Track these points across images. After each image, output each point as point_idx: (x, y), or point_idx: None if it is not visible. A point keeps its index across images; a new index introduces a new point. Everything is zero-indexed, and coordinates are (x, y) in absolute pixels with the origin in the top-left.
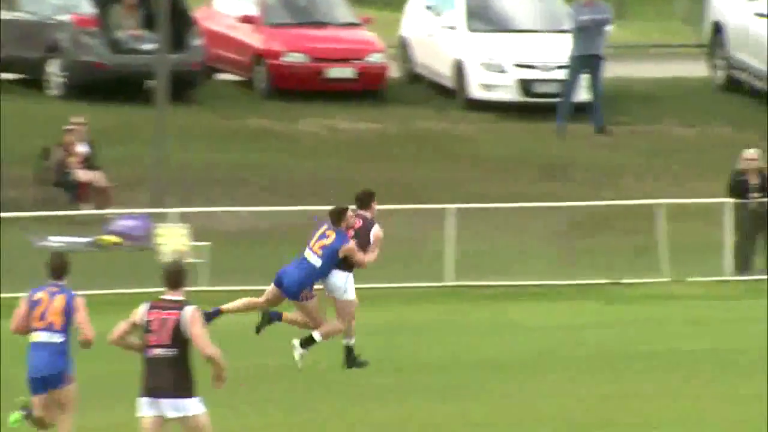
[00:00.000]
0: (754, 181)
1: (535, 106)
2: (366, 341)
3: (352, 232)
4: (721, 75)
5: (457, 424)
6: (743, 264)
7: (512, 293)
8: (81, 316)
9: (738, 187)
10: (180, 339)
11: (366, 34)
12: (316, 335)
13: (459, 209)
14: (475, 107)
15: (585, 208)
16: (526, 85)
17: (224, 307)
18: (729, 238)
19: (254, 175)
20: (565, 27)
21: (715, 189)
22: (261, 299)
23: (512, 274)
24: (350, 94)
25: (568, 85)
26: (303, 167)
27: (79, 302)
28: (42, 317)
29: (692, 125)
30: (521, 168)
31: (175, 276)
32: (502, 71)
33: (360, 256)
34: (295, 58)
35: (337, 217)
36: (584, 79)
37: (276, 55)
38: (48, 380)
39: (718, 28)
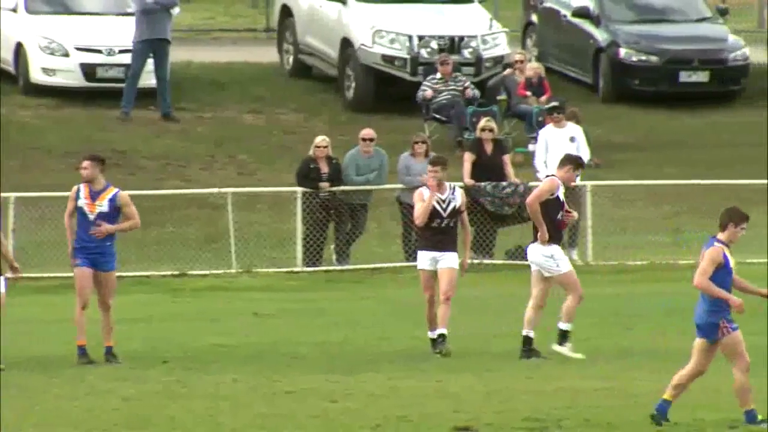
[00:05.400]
0: (325, 169)
1: (99, 92)
2: None
3: None
4: (290, 60)
5: None
6: (314, 255)
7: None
8: None
9: (309, 176)
10: None
11: None
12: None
13: (18, 198)
14: (37, 92)
15: (151, 197)
16: (89, 70)
17: None
18: (300, 228)
19: None
20: (130, 10)
21: (285, 178)
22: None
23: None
24: None
25: (133, 69)
26: None
27: None
28: None
29: (260, 112)
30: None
31: None
32: (64, 55)
33: None
34: None
35: None
36: (150, 63)
37: None
38: None
39: (286, 12)
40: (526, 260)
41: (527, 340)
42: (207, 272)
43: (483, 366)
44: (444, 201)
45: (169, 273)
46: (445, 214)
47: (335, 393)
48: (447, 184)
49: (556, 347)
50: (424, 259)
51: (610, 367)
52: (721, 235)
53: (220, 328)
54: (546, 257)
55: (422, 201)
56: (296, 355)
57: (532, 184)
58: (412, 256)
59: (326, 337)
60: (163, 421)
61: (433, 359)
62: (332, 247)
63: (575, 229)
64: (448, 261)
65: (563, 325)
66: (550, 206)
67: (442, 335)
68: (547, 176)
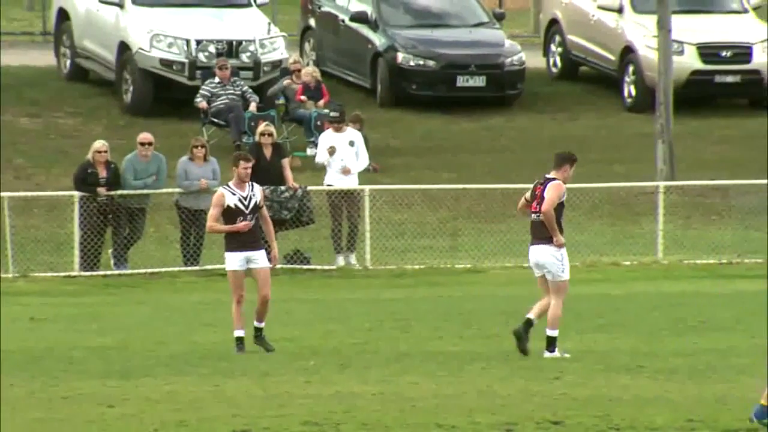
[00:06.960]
0: (103, 174)
1: None
2: None
3: None
4: (67, 64)
5: None
6: (92, 260)
7: None
8: None
9: (87, 180)
10: None
11: None
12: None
13: None
14: None
15: None
16: None
17: None
18: (77, 232)
19: None
20: None
21: (63, 182)
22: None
23: None
24: None
25: None
26: None
27: None
28: None
29: (37, 116)
30: None
31: None
32: None
33: None
34: None
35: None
36: None
37: None
38: None
39: (64, 16)
40: (305, 264)
41: (528, 321)
42: None
43: (261, 370)
44: (246, 198)
45: None
46: (247, 211)
47: (112, 398)
48: (247, 182)
49: (547, 354)
50: (234, 260)
51: (387, 370)
52: None
53: None
54: (557, 260)
55: (219, 205)
56: (73, 359)
57: (311, 188)
58: (190, 261)
59: (103, 342)
60: None
61: (210, 364)
62: (110, 251)
63: (354, 234)
64: (261, 261)
65: (551, 332)
66: (557, 210)
67: (259, 329)
68: (550, 180)
